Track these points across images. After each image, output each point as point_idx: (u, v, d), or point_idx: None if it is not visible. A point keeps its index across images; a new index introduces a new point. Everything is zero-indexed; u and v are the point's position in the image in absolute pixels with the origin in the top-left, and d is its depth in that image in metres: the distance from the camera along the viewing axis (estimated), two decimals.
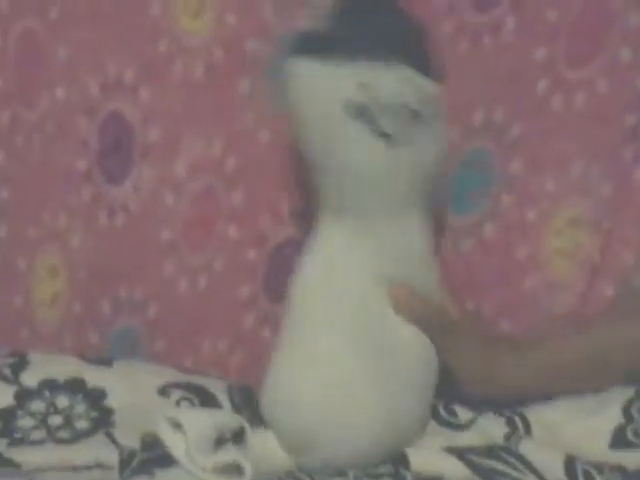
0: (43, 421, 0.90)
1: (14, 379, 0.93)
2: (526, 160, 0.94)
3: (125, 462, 0.82)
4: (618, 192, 0.93)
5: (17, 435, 0.88)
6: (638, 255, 0.93)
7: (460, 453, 0.81)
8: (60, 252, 1.07)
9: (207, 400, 0.92)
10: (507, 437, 0.84)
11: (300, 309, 0.82)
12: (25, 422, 0.89)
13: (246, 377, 0.97)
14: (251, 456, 0.78)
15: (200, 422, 0.80)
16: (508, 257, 0.95)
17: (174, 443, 0.79)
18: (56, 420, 0.90)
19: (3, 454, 0.84)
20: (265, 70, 0.97)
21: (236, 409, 0.90)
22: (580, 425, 0.85)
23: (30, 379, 0.93)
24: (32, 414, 0.90)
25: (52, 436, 0.88)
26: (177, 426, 0.79)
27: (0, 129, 1.07)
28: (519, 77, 0.94)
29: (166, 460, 0.80)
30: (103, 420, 0.90)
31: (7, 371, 0.94)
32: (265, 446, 0.80)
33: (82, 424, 0.89)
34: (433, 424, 0.86)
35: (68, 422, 0.90)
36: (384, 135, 0.76)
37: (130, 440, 0.85)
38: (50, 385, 0.93)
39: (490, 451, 0.81)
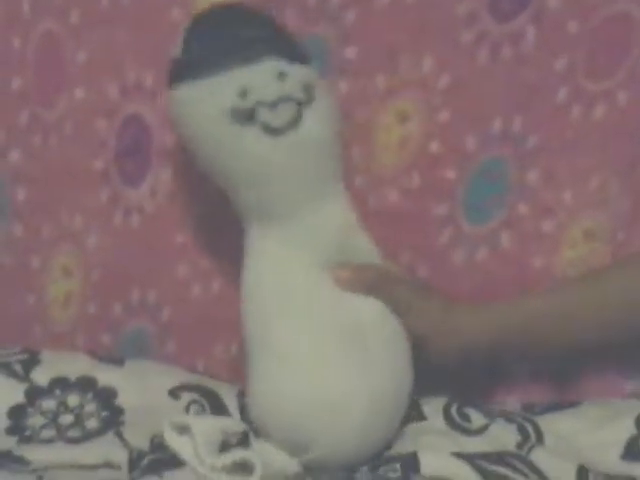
0: (54, 420, 0.86)
1: (25, 376, 0.89)
2: (543, 171, 0.89)
3: (134, 462, 0.79)
4: (635, 206, 0.88)
5: (27, 433, 0.84)
6: None
7: (470, 458, 0.76)
8: (75, 252, 1.04)
9: (217, 405, 0.88)
10: (519, 445, 0.80)
11: (257, 319, 0.79)
12: (36, 420, 0.86)
13: None
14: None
15: (208, 425, 0.77)
16: (523, 267, 0.91)
17: (181, 446, 0.76)
18: (67, 419, 0.86)
19: (13, 451, 0.80)
20: None
21: (245, 415, 0.85)
22: (592, 435, 0.81)
23: (41, 377, 0.90)
24: (43, 412, 0.86)
25: (62, 435, 0.84)
26: (184, 429, 0.76)
27: (18, 129, 1.04)
28: (538, 87, 0.89)
29: (175, 461, 0.76)
30: (113, 419, 0.86)
31: (18, 367, 0.90)
32: (267, 450, 0.77)
33: (92, 423, 0.86)
34: (445, 427, 0.82)
35: (78, 421, 0.86)
36: (275, 130, 0.75)
37: (140, 440, 0.82)
38: (61, 383, 0.89)
39: (501, 457, 0.76)
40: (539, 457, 0.77)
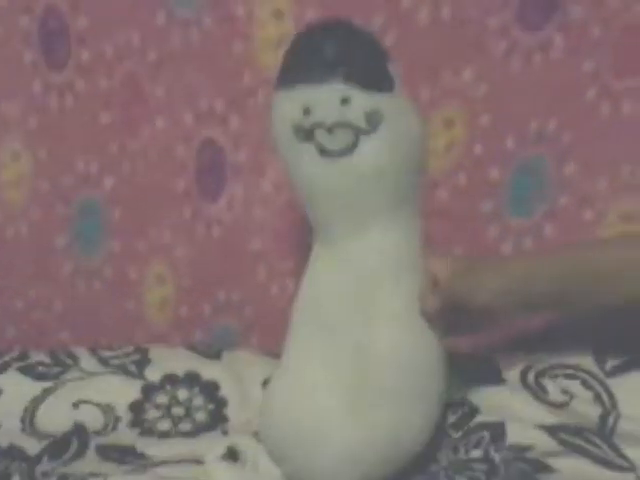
0: (167, 413, 0.88)
1: (139, 374, 0.91)
2: (579, 164, 0.88)
3: None
4: None
5: (146, 425, 0.87)
6: None
7: (552, 430, 0.75)
8: (166, 262, 1.06)
9: None
10: (602, 416, 0.77)
11: (289, 335, 0.76)
12: (152, 414, 0.88)
13: None
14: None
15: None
16: None
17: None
18: (178, 412, 0.88)
19: (136, 448, 0.82)
20: None
21: None
22: None
23: (153, 374, 0.92)
24: (157, 406, 0.89)
25: (176, 427, 0.86)
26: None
27: (109, 158, 1.06)
28: (569, 89, 0.87)
29: None
30: (218, 412, 0.88)
31: (132, 368, 0.92)
32: (262, 457, 0.76)
33: (201, 416, 0.88)
34: (526, 395, 0.80)
35: (189, 413, 0.88)
36: (328, 153, 0.70)
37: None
38: (171, 379, 0.91)
39: (580, 431, 0.75)
40: (620, 435, 0.75)
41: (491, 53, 0.89)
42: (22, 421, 0.86)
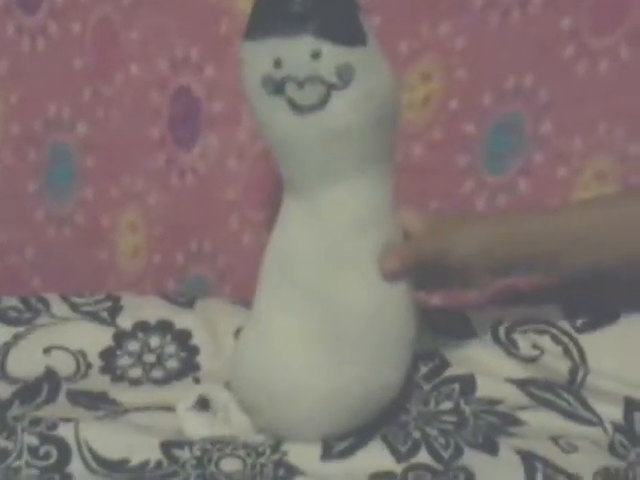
0: (139, 360, 0.87)
1: (111, 322, 0.90)
2: (555, 122, 0.88)
3: None
4: None
5: (118, 372, 0.86)
6: None
7: (522, 384, 0.76)
8: (139, 210, 1.05)
9: None
10: (571, 371, 0.79)
11: (259, 285, 0.74)
12: (124, 361, 0.87)
13: None
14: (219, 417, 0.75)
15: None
16: None
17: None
18: (150, 358, 0.87)
19: (108, 394, 0.81)
20: None
21: None
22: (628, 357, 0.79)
23: (125, 322, 0.91)
24: (129, 353, 0.88)
25: (147, 374, 0.86)
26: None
27: (83, 104, 1.04)
28: (547, 46, 0.87)
29: None
30: (190, 360, 0.87)
31: (104, 314, 0.91)
32: (229, 407, 0.75)
33: (172, 363, 0.87)
34: (496, 349, 0.81)
35: (160, 361, 0.87)
36: (299, 107, 0.67)
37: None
38: (143, 327, 0.90)
39: (550, 385, 0.76)
40: (589, 389, 0.76)
41: (469, 7, 0.88)
42: None
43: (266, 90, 0.67)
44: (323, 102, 0.67)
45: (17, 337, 0.88)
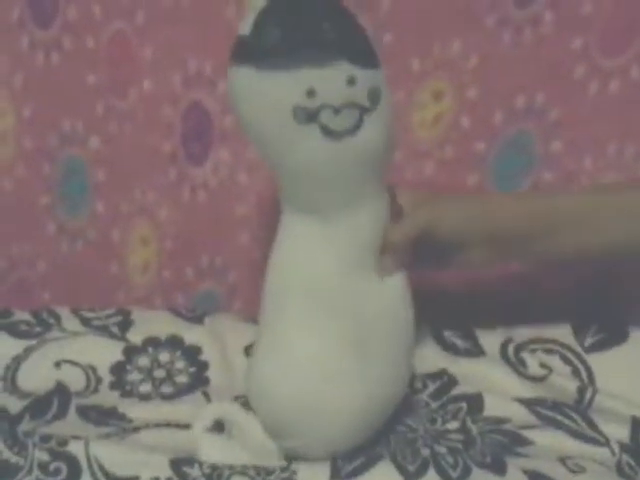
0: (149, 375, 0.87)
1: (121, 336, 0.90)
2: (565, 141, 0.88)
3: None
4: None
5: (127, 387, 0.86)
6: None
7: (530, 403, 0.77)
8: (150, 225, 1.05)
9: None
10: (580, 391, 0.78)
11: (273, 302, 0.73)
12: (134, 376, 0.87)
13: None
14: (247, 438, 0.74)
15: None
16: None
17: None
18: (160, 374, 0.87)
19: (118, 409, 0.81)
20: None
21: None
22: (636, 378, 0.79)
23: (135, 337, 0.91)
24: (139, 368, 0.88)
25: (157, 389, 0.86)
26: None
27: (95, 118, 1.04)
28: (558, 65, 0.87)
29: None
30: (200, 375, 0.87)
31: (115, 329, 0.91)
32: (253, 431, 0.74)
33: (182, 379, 0.87)
34: (505, 368, 0.81)
35: (170, 376, 0.87)
36: (334, 133, 0.67)
37: (222, 399, 0.82)
38: (153, 342, 0.91)
39: (557, 406, 0.76)
40: (596, 411, 0.76)
41: (481, 26, 0.88)
42: (3, 379, 0.85)
43: (297, 120, 0.66)
44: (357, 126, 0.67)
45: (28, 351, 0.88)
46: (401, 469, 0.70)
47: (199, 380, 0.87)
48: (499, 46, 0.88)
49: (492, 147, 0.91)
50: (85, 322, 0.92)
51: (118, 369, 0.88)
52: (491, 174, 0.91)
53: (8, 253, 1.12)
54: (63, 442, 0.72)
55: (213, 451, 0.73)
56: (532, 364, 0.82)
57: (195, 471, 0.70)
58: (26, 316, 0.93)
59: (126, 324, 0.92)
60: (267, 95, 0.66)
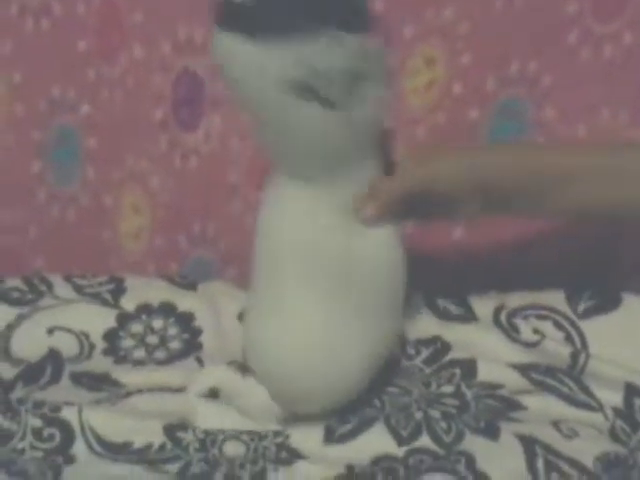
0: (142, 341, 0.86)
1: (114, 304, 0.89)
2: (557, 108, 0.87)
3: None
4: None
5: (121, 353, 0.85)
6: None
7: (523, 369, 0.76)
8: (142, 192, 1.05)
9: None
10: (573, 356, 0.78)
11: (265, 265, 0.72)
12: (127, 342, 0.86)
13: None
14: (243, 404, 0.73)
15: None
16: None
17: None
18: (153, 340, 0.86)
19: (110, 374, 0.80)
20: None
21: None
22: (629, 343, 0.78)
23: (128, 304, 0.90)
24: (132, 335, 0.87)
25: (150, 355, 0.85)
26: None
27: (86, 85, 1.03)
28: (550, 31, 0.86)
29: None
30: (193, 340, 0.86)
31: (108, 296, 0.90)
32: (256, 396, 0.73)
33: (175, 345, 0.86)
34: (498, 334, 0.80)
35: (163, 342, 0.86)
36: (328, 103, 0.65)
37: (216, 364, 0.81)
38: (146, 309, 0.89)
39: (550, 370, 0.75)
40: (590, 375, 0.76)
41: None
42: None
43: (291, 91, 0.64)
44: (353, 93, 0.66)
45: (20, 318, 0.87)
46: (394, 433, 0.70)
47: (192, 346, 0.86)
48: (491, 12, 0.87)
49: (484, 114, 0.90)
50: (78, 289, 0.91)
51: (111, 336, 0.87)
52: (483, 141, 0.90)
53: None
54: (56, 408, 0.71)
55: (209, 417, 0.72)
56: (525, 330, 0.81)
57: (189, 436, 0.70)
58: (18, 283, 0.91)
59: (119, 291, 0.91)
60: (262, 67, 0.64)
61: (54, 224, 1.09)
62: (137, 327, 0.88)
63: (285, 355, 0.71)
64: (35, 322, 0.87)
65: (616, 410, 0.72)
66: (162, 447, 0.69)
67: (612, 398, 0.73)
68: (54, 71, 1.05)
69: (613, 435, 0.70)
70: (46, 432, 0.70)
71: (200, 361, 0.84)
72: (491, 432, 0.69)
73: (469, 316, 0.84)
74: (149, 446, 0.69)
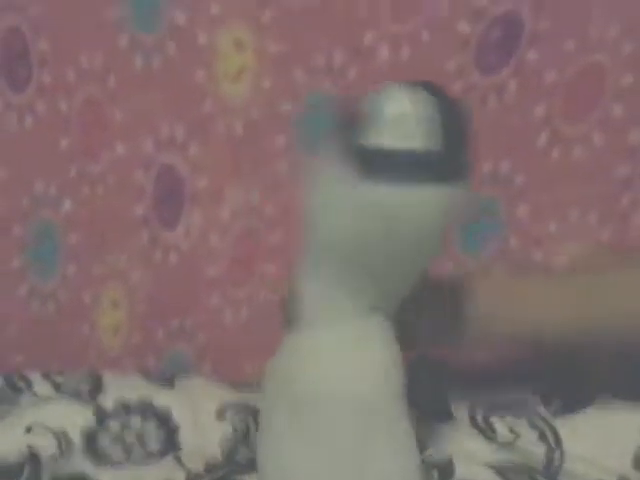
0: (120, 440, 0.85)
1: (92, 401, 0.88)
2: (530, 206, 0.89)
3: None
4: (616, 236, 0.87)
5: (99, 453, 0.84)
6: None
7: (500, 469, 0.75)
8: (121, 287, 1.05)
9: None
10: (547, 455, 0.77)
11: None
12: (105, 442, 0.85)
13: None
14: None
15: None
16: None
17: None
18: (131, 439, 0.86)
19: (90, 476, 0.80)
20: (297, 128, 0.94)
21: None
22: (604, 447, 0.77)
23: (106, 401, 0.89)
24: (110, 434, 0.86)
25: (129, 455, 0.84)
26: None
27: (68, 181, 1.05)
28: (521, 132, 0.88)
29: None
30: (171, 439, 0.86)
31: (86, 394, 0.89)
32: None
33: (153, 444, 0.85)
34: (479, 437, 0.80)
35: (141, 442, 0.86)
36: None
37: (195, 464, 0.81)
38: (123, 407, 0.88)
39: (529, 471, 0.75)
40: (565, 474, 0.75)
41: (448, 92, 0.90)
42: None
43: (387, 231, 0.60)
44: None
45: None
46: None
47: (170, 444, 0.85)
48: None
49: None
50: (56, 387, 0.90)
51: (89, 434, 0.86)
52: (457, 238, 0.91)
53: None
54: None
55: None
56: (501, 429, 0.82)
57: None
58: None
59: (97, 389, 0.91)
60: (363, 207, 0.59)
61: (34, 319, 1.09)
62: (115, 425, 0.87)
63: None
64: (13, 420, 0.86)
65: None
66: None
67: None
68: (37, 167, 1.06)
69: None
70: None
71: (179, 460, 0.83)
72: None
73: (446, 415, 0.83)
74: None
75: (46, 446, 0.84)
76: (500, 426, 0.81)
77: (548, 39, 0.86)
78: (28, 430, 0.85)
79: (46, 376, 0.92)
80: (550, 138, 0.87)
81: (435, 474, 0.75)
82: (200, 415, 0.88)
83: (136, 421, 0.88)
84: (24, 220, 1.08)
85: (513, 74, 0.88)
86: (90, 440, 0.85)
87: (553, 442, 0.79)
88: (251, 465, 0.75)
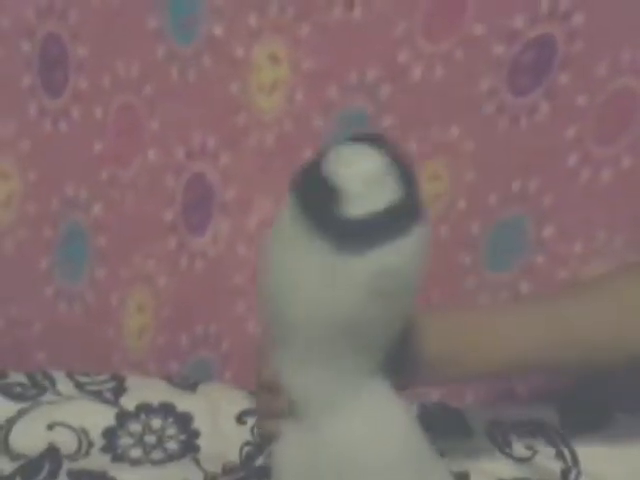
0: (140, 441, 0.87)
1: (115, 402, 0.90)
2: (557, 226, 0.90)
3: None
4: None
5: (119, 451, 0.85)
6: None
7: None
8: (147, 291, 1.05)
9: None
10: (564, 473, 0.78)
11: None
12: (125, 441, 0.87)
13: None
14: None
15: None
16: None
17: None
18: (151, 440, 0.87)
19: (108, 473, 0.80)
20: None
21: None
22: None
23: (128, 403, 0.91)
24: (131, 434, 0.88)
25: (147, 455, 0.85)
26: None
27: (100, 185, 1.05)
28: (552, 153, 0.89)
29: None
30: (191, 442, 0.87)
31: (109, 395, 0.91)
32: None
33: (172, 445, 0.87)
34: (495, 452, 0.80)
35: (160, 442, 0.87)
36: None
37: (213, 466, 0.82)
38: (145, 409, 0.90)
39: None
40: None
41: (480, 113, 0.90)
42: None
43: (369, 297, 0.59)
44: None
45: (21, 413, 0.87)
46: None
47: (190, 447, 0.86)
48: (496, 132, 0.90)
49: (486, 229, 0.92)
50: (79, 386, 0.91)
51: (110, 433, 0.87)
52: (484, 255, 0.92)
53: (6, 314, 1.10)
54: None
55: None
56: (517, 445, 0.82)
57: None
58: (21, 378, 0.92)
59: (120, 390, 0.92)
60: (341, 280, 0.58)
61: (59, 320, 1.09)
62: (136, 426, 0.89)
63: None
64: (35, 417, 0.88)
65: None
66: None
67: None
68: (69, 171, 1.06)
69: None
70: None
71: (197, 462, 0.84)
72: None
73: (463, 429, 0.84)
74: None
75: (67, 443, 0.86)
76: (517, 442, 0.81)
77: (580, 63, 0.87)
78: (50, 427, 0.87)
79: (70, 375, 0.94)
80: (580, 159, 0.88)
81: None
82: (220, 419, 0.89)
83: (157, 423, 0.89)
84: (54, 222, 1.08)
85: (544, 96, 0.88)
86: (110, 439, 0.87)
87: (570, 459, 0.79)
88: (268, 472, 0.74)
